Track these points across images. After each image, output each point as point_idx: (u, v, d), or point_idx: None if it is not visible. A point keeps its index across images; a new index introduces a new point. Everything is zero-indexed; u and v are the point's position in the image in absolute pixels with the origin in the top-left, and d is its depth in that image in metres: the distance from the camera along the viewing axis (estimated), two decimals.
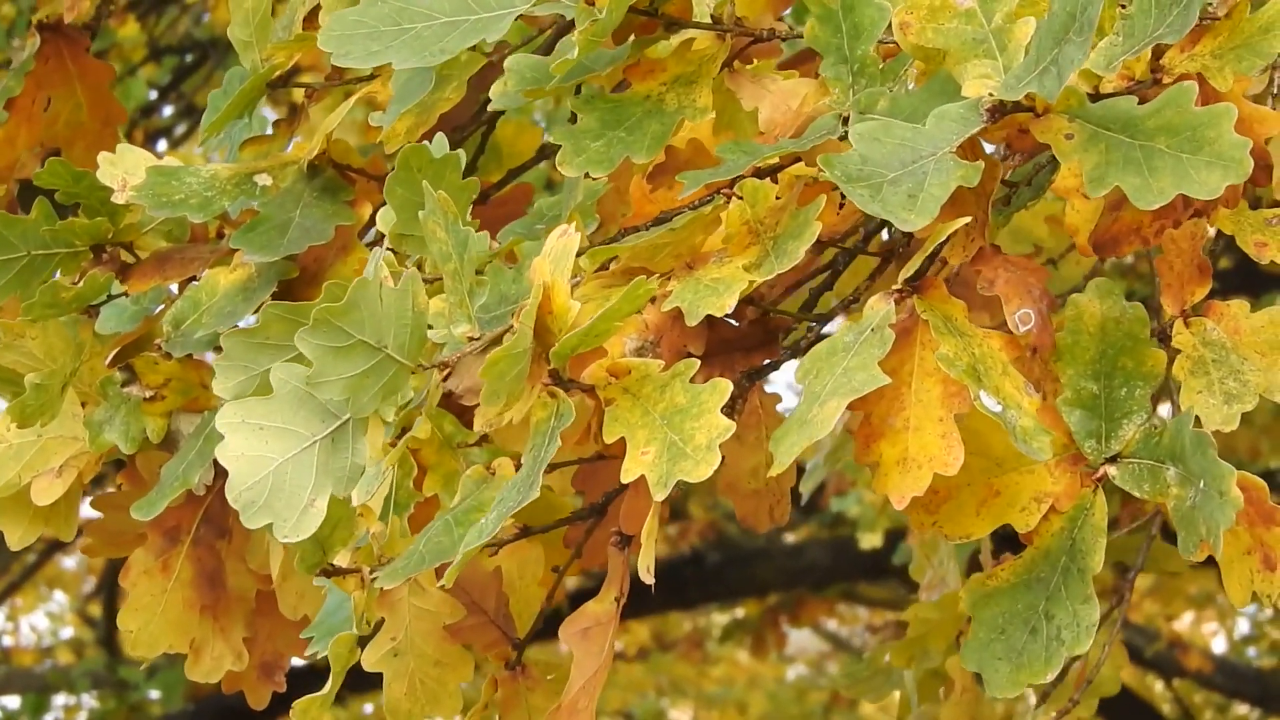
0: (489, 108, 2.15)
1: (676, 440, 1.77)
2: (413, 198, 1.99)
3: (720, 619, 10.25)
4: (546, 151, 2.88)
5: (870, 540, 6.86)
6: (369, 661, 2.18)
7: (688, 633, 10.83)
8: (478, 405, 1.89)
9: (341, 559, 2.01)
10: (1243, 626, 9.59)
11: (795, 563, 8.36)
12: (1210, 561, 2.74)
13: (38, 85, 2.72)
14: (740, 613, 9.93)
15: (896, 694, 3.23)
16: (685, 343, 1.96)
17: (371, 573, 2.01)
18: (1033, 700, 2.68)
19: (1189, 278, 1.98)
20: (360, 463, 1.82)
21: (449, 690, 2.23)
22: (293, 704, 1.96)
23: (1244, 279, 5.77)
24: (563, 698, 1.98)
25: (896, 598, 9.52)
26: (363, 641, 2.11)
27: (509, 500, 1.79)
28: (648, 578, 1.79)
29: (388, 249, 1.93)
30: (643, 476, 1.77)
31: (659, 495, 1.74)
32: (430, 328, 1.83)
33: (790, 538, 8.50)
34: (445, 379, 1.83)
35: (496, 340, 1.84)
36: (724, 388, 1.78)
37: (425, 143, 1.98)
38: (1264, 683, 8.41)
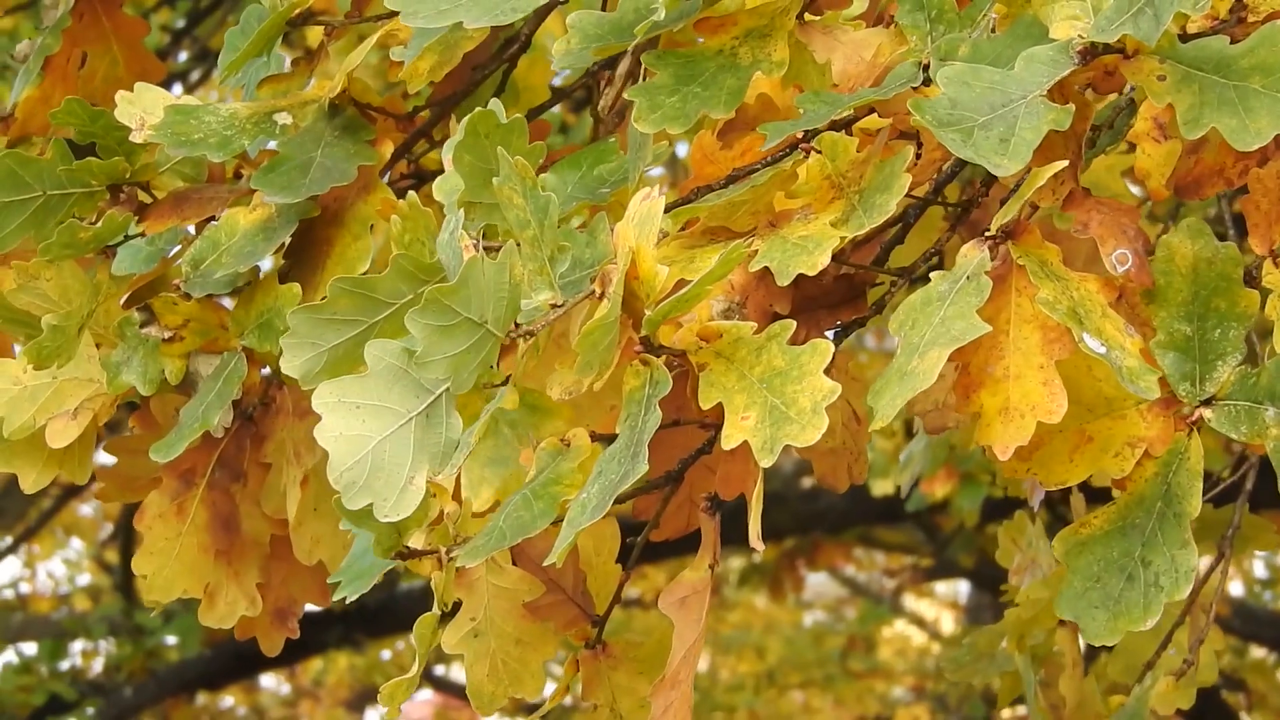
0: (553, 66, 2.09)
1: (778, 404, 1.73)
2: (481, 164, 1.94)
3: (737, 563, 10.23)
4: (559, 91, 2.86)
5: (882, 487, 6.84)
6: (449, 644, 2.15)
7: None
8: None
9: (416, 540, 1.97)
10: (1259, 570, 9.57)
11: (811, 507, 8.33)
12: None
13: (73, 42, 2.65)
14: (757, 557, 9.91)
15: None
16: (771, 302, 1.92)
17: (449, 552, 1.97)
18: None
19: (1277, 217, 1.94)
20: (454, 437, 1.78)
21: (531, 670, 2.19)
22: (380, 688, 1.93)
23: None
24: (666, 669, 1.95)
25: (913, 542, 9.51)
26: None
27: (610, 474, 1.75)
28: (758, 544, 1.75)
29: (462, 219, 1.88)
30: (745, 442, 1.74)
31: (766, 461, 1.70)
32: None
33: (807, 482, 8.47)
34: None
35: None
36: (825, 349, 1.74)
37: (490, 108, 1.93)
38: None
